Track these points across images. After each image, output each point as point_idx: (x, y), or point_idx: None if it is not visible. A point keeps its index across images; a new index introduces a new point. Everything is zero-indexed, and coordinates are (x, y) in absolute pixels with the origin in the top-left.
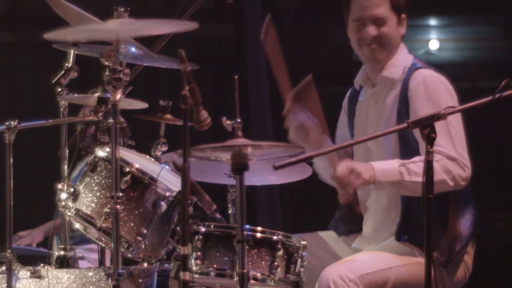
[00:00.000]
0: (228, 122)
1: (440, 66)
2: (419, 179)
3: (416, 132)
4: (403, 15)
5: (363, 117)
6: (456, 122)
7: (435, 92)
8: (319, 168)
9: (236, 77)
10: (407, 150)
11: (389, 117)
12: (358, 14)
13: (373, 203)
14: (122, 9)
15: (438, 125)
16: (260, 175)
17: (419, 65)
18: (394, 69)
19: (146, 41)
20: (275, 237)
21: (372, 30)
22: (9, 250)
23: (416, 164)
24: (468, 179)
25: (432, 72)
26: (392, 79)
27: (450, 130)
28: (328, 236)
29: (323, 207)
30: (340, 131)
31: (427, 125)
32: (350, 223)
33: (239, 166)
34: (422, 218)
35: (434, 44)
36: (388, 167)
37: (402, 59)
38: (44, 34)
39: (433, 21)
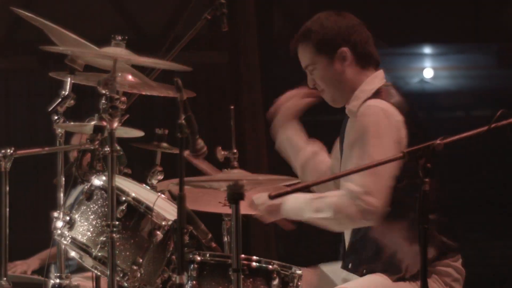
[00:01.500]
0: (223, 152)
1: (434, 94)
2: (321, 215)
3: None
4: (340, 50)
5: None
6: (377, 155)
7: (365, 127)
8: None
9: (232, 107)
10: None
11: (351, 149)
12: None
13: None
14: (120, 38)
15: (357, 157)
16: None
17: (375, 97)
18: (357, 101)
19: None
20: (270, 267)
21: (308, 81)
22: (5, 278)
23: (321, 200)
24: (371, 212)
25: (381, 104)
26: (353, 111)
27: (365, 161)
28: (330, 269)
29: (318, 236)
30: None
31: (422, 155)
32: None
33: (235, 196)
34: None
35: (428, 73)
36: (294, 205)
37: (367, 89)
38: (43, 62)
39: (427, 50)
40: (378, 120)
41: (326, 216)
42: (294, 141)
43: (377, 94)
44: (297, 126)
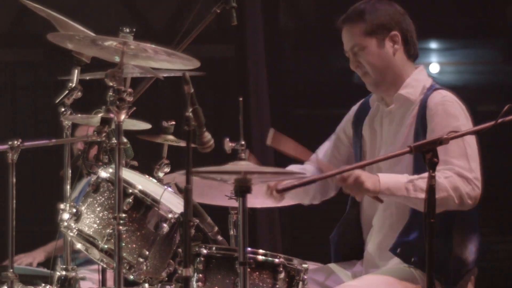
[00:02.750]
0: (230, 144)
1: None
2: (440, 194)
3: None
4: (392, 33)
5: (377, 137)
6: (472, 142)
7: (453, 113)
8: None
9: (241, 99)
10: (422, 167)
11: (406, 137)
12: (344, 49)
13: (379, 220)
14: (127, 30)
15: (455, 143)
16: (262, 197)
17: (438, 87)
18: (412, 89)
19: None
20: (276, 260)
21: (352, 62)
22: (11, 270)
23: (424, 180)
24: (476, 199)
25: (451, 94)
26: (409, 99)
27: (466, 149)
28: (338, 268)
29: (323, 229)
30: (329, 147)
31: (430, 149)
32: (347, 249)
33: (242, 189)
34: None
35: (434, 68)
36: (394, 181)
37: (420, 79)
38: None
39: (433, 45)
40: (462, 111)
41: (445, 195)
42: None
43: (436, 86)
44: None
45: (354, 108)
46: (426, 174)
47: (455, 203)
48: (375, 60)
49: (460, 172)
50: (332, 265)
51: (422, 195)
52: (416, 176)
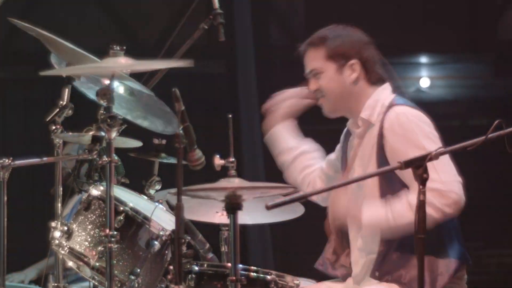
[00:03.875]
0: (220, 161)
1: (430, 103)
2: (403, 220)
3: (402, 172)
4: (351, 61)
5: (352, 156)
6: (431, 147)
7: (410, 129)
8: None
9: (230, 116)
10: (387, 185)
11: (369, 158)
12: (305, 72)
13: (360, 242)
14: (118, 48)
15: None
16: (252, 214)
17: (396, 103)
18: (370, 111)
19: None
20: (268, 277)
21: (311, 85)
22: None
23: (401, 203)
24: (455, 204)
25: (407, 108)
26: (369, 121)
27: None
28: (335, 285)
29: (315, 245)
30: (331, 159)
31: (420, 165)
32: (339, 269)
33: (233, 205)
34: (396, 256)
35: (425, 82)
36: (376, 218)
37: (380, 99)
38: (40, 71)
39: (423, 59)
40: (420, 123)
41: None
42: (282, 138)
43: (395, 102)
44: (292, 124)
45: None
46: (403, 198)
47: (436, 217)
48: (332, 85)
49: (431, 187)
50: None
51: (402, 221)
52: (393, 201)
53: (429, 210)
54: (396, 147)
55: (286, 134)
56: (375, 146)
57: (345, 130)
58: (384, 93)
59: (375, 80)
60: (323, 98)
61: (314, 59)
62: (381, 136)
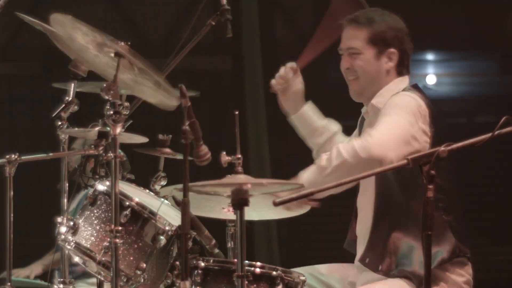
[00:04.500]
0: (227, 157)
1: (437, 101)
2: (336, 162)
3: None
4: (391, 49)
5: None
6: (396, 114)
7: (398, 102)
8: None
9: (237, 112)
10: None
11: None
12: (340, 45)
13: (360, 229)
14: (123, 43)
15: (381, 120)
16: (259, 210)
17: (404, 89)
18: (381, 98)
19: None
20: (274, 273)
21: (344, 62)
22: (9, 283)
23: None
24: (369, 149)
25: (410, 93)
26: (378, 108)
27: (384, 121)
28: (326, 269)
29: (320, 241)
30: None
31: (427, 162)
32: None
33: (240, 201)
34: (381, 244)
35: (431, 79)
36: (309, 173)
37: (393, 88)
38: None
39: (430, 56)
40: (409, 101)
41: (337, 162)
42: (311, 119)
43: (405, 90)
44: (313, 106)
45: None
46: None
47: (351, 163)
48: (368, 68)
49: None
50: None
51: (335, 162)
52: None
53: (346, 155)
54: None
55: (314, 116)
56: None
57: (360, 117)
58: (400, 83)
59: (404, 73)
60: (354, 79)
61: (355, 38)
62: None
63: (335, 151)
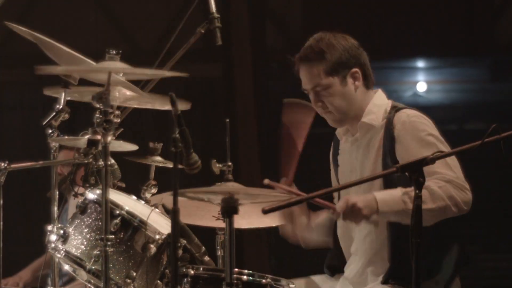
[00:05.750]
0: (218, 165)
1: (427, 108)
2: (425, 206)
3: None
4: (352, 70)
5: (346, 165)
6: (444, 148)
7: (422, 128)
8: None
9: (227, 120)
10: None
11: (375, 162)
12: (302, 86)
13: (359, 247)
14: (114, 51)
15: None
16: (248, 218)
17: (401, 107)
18: (374, 115)
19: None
20: (263, 281)
21: (314, 101)
22: None
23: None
24: (470, 203)
25: (415, 111)
26: (373, 125)
27: (446, 159)
28: (321, 279)
29: (310, 249)
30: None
31: (416, 169)
32: (339, 263)
33: (229, 209)
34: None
35: (421, 86)
36: (391, 197)
37: (380, 104)
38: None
39: (420, 63)
40: (430, 126)
41: (433, 206)
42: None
43: (399, 107)
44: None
45: (333, 139)
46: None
47: (453, 211)
48: (339, 100)
49: (451, 180)
50: (317, 279)
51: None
52: (409, 189)
53: (449, 203)
54: (411, 147)
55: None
56: (381, 149)
57: (332, 144)
58: (381, 98)
59: (371, 85)
60: (329, 112)
61: (315, 76)
62: (389, 138)
63: (440, 191)
